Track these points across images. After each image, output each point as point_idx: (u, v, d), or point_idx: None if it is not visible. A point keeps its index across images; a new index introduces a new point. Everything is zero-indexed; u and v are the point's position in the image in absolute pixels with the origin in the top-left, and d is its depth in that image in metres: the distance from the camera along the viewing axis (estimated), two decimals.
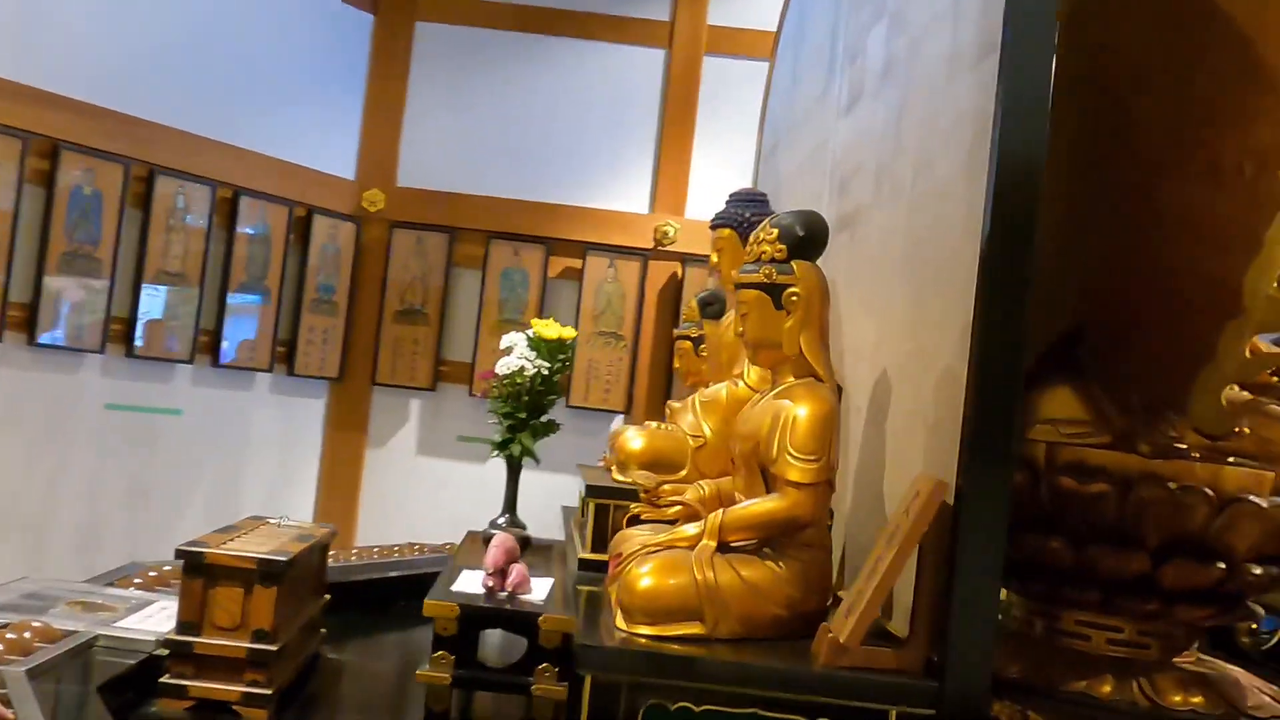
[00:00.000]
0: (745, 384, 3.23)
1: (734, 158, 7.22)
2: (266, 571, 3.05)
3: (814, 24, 4.00)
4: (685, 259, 7.11)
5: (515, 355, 3.78)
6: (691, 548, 2.41)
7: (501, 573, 2.90)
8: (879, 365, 2.75)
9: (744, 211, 3.39)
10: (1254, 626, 4.08)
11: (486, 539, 3.43)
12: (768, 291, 2.52)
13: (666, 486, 2.74)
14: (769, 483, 2.46)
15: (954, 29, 2.52)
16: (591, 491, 3.07)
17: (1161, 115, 2.91)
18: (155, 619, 3.34)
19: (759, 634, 2.34)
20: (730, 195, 3.47)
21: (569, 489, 7.13)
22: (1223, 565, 3.04)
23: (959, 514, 2.14)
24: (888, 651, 2.21)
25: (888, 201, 2.85)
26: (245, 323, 6.39)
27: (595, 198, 7.16)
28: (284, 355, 6.68)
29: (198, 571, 3.03)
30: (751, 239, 2.59)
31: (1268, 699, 3.25)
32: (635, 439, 3.19)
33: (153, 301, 5.87)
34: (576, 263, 7.12)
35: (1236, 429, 2.86)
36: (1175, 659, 3.29)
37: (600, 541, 3.04)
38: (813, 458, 2.37)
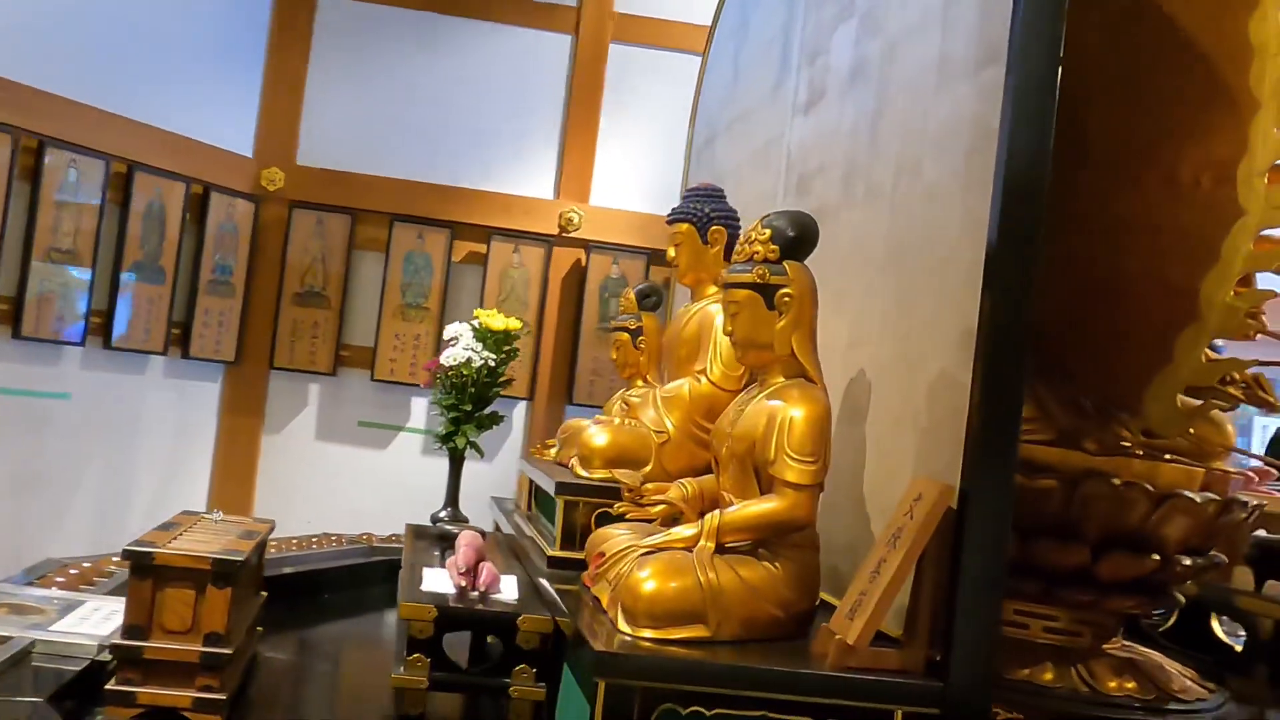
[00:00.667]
0: (709, 380, 3.22)
1: (640, 146, 7.21)
2: (221, 572, 2.93)
3: (761, 18, 4.00)
4: (590, 246, 7.06)
5: (461, 346, 3.69)
6: (688, 549, 2.39)
7: (472, 572, 2.84)
8: (854, 365, 2.77)
9: (703, 207, 3.37)
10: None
11: (441, 535, 3.34)
12: (760, 292, 2.51)
13: (649, 485, 2.71)
14: (763, 483, 2.45)
15: (942, 38, 2.54)
16: (562, 489, 3.02)
17: (1119, 127, 3.00)
18: (91, 621, 3.18)
19: (757, 635, 2.35)
20: (687, 191, 3.45)
21: (477, 476, 7.05)
22: (1156, 557, 3.17)
23: (964, 517, 2.17)
24: (892, 652, 2.24)
25: (862, 202, 2.87)
26: (139, 304, 6.11)
27: (500, 182, 7.05)
28: (179, 338, 6.41)
29: (146, 573, 2.90)
30: (741, 238, 2.58)
31: (1189, 683, 3.40)
32: (599, 435, 3.16)
33: (41, 281, 5.56)
34: (481, 248, 7.00)
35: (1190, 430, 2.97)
36: (1104, 645, 3.42)
37: (571, 539, 2.99)
38: (810, 459, 2.38)
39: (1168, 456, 3.23)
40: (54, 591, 3.45)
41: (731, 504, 2.51)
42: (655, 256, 7.09)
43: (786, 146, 3.51)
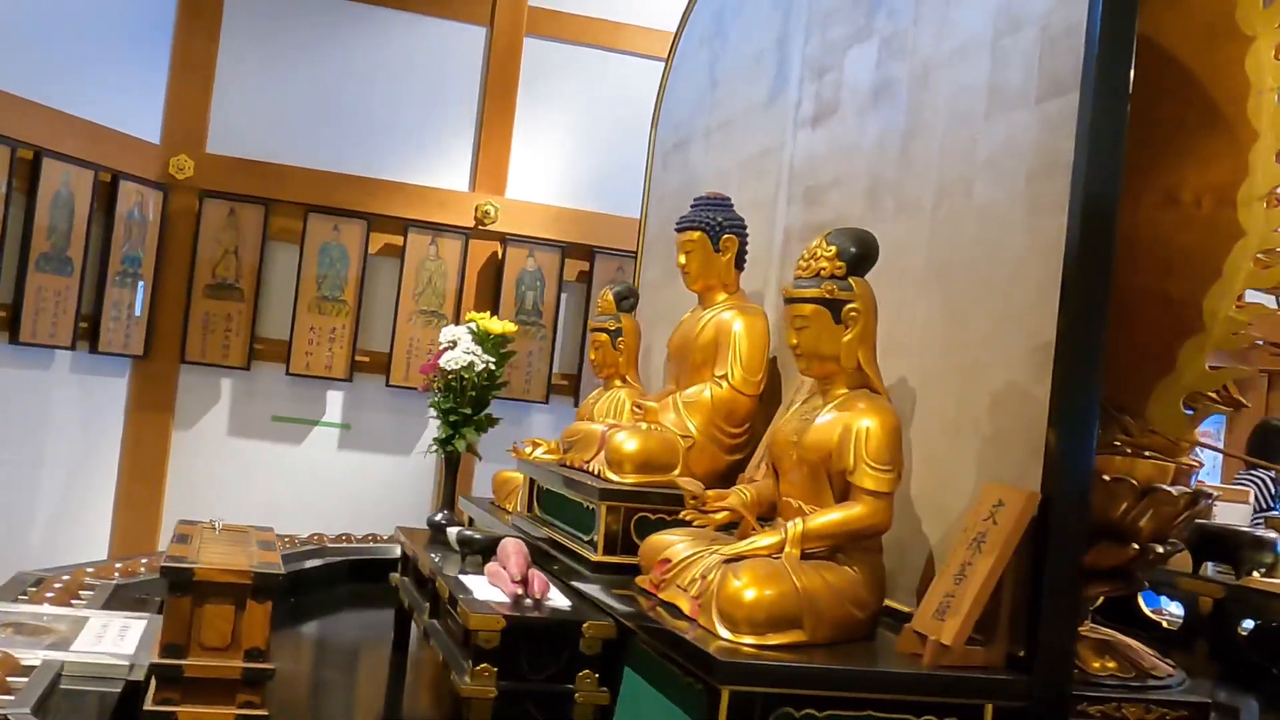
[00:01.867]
0: (730, 385, 3.30)
1: (556, 140, 7.22)
2: (262, 585, 2.88)
3: (744, 30, 4.08)
4: (506, 239, 7.04)
5: (461, 350, 3.67)
6: (773, 556, 2.47)
7: (525, 580, 2.86)
8: (892, 372, 2.88)
9: (715, 215, 3.44)
10: None
11: (466, 541, 3.32)
12: (827, 306, 2.60)
13: (711, 492, 2.77)
14: (838, 490, 2.55)
15: (992, 67, 2.67)
16: (606, 495, 3.05)
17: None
18: (108, 639, 3.07)
19: (843, 636, 2.44)
20: (696, 199, 3.51)
21: (397, 470, 6.96)
22: (1135, 546, 3.39)
23: (1046, 522, 2.30)
24: (979, 650, 2.36)
25: (893, 217, 2.99)
26: (45, 296, 5.82)
27: (417, 174, 6.96)
28: (87, 331, 6.13)
29: (184, 589, 2.83)
30: (806, 254, 2.66)
31: (1158, 661, 3.65)
32: (629, 441, 3.20)
33: None
34: (397, 240, 6.90)
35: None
36: (1080, 628, 3.64)
37: (615, 546, 3.03)
38: (888, 467, 2.48)
39: (1147, 454, 3.45)
40: (52, 608, 3.30)
41: (800, 509, 2.60)
42: (571, 250, 7.12)
43: (789, 157, 3.60)
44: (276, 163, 6.68)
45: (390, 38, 6.94)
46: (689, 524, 2.78)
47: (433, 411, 3.79)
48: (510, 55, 7.12)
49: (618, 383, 4.27)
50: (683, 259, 3.47)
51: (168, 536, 6.31)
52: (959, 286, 2.72)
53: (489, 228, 7.01)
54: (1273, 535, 4.30)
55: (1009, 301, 2.52)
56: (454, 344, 3.73)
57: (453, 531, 3.43)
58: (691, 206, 3.51)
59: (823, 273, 2.62)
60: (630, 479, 3.17)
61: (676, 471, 3.21)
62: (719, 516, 2.73)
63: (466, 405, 3.71)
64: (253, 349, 6.65)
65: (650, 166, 4.94)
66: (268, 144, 6.69)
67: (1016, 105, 2.58)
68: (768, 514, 2.78)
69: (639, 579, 2.82)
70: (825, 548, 2.50)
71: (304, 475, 6.77)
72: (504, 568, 2.95)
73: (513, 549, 2.96)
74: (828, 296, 2.60)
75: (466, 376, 3.67)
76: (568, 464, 3.52)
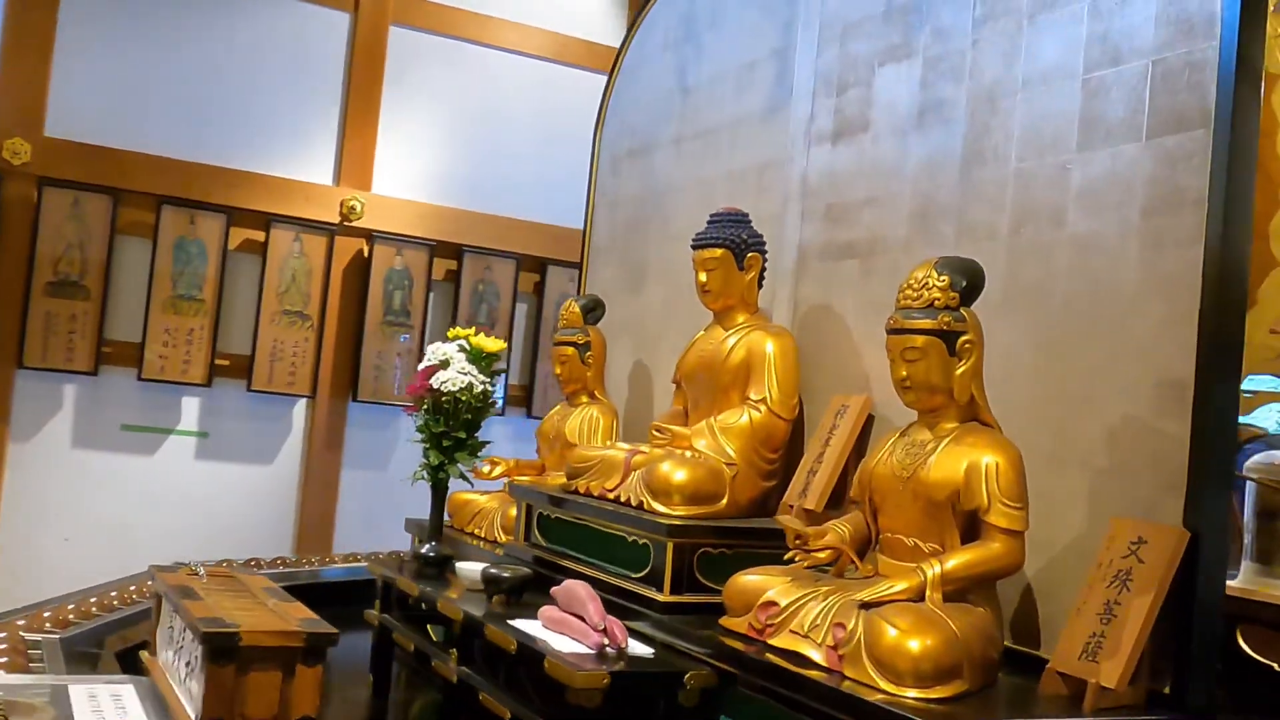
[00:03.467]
0: (769, 409, 3.13)
1: (424, 134, 6.82)
2: (313, 647, 2.53)
3: (728, 38, 3.90)
4: (373, 236, 6.60)
5: (455, 370, 3.34)
6: (914, 600, 2.33)
7: (605, 628, 2.61)
8: None
9: (740, 233, 3.25)
10: None
11: (493, 580, 3.01)
12: (942, 338, 2.48)
13: (812, 530, 2.60)
14: (963, 528, 2.43)
15: (1085, 99, 2.62)
16: (674, 531, 2.82)
17: None
18: (112, 715, 2.61)
19: (988, 680, 2.33)
20: (716, 215, 3.31)
21: (260, 481, 6.39)
22: None
23: (1194, 558, 2.26)
24: (1127, 689, 2.29)
25: (955, 241, 2.90)
26: None
27: (278, 165, 6.43)
28: None
29: (228, 656, 2.44)
30: (914, 283, 2.52)
31: None
32: (677, 471, 2.99)
33: None
34: (259, 235, 6.36)
35: None
36: None
37: (682, 584, 2.80)
38: (1019, 505, 2.39)
39: None
40: (16, 677, 2.78)
41: (916, 547, 2.48)
42: (441, 249, 6.76)
43: (799, 173, 3.45)
44: (125, 149, 6.03)
45: (250, 17, 6.38)
46: (771, 561, 2.60)
47: (419, 435, 3.42)
48: (375, 43, 6.68)
49: (585, 399, 4.04)
50: (703, 277, 3.26)
51: (6, 560, 5.59)
52: (1051, 316, 2.65)
53: (355, 224, 6.56)
54: None
55: (1124, 335, 2.47)
56: (445, 363, 3.38)
57: (471, 566, 3.12)
58: (710, 223, 3.31)
59: (936, 303, 2.49)
60: (679, 510, 2.95)
61: (724, 501, 3.02)
62: (822, 555, 2.57)
63: (460, 429, 3.38)
64: (100, 352, 6.00)
65: (595, 172, 4.67)
66: (115, 128, 6.03)
67: (1121, 138, 2.53)
68: (861, 550, 2.64)
69: (726, 621, 2.62)
70: (957, 589, 2.38)
71: (157, 489, 6.15)
72: (572, 613, 2.68)
73: (585, 593, 2.70)
74: (944, 328, 2.47)
75: (464, 398, 3.34)
76: (581, 491, 3.26)
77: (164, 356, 6.10)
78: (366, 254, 6.63)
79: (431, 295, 6.80)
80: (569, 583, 2.80)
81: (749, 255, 3.26)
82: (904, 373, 2.52)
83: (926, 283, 2.51)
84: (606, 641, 2.58)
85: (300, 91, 6.51)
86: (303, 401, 6.52)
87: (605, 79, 4.74)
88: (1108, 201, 2.55)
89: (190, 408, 6.26)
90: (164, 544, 5.95)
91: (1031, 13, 2.79)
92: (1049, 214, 2.69)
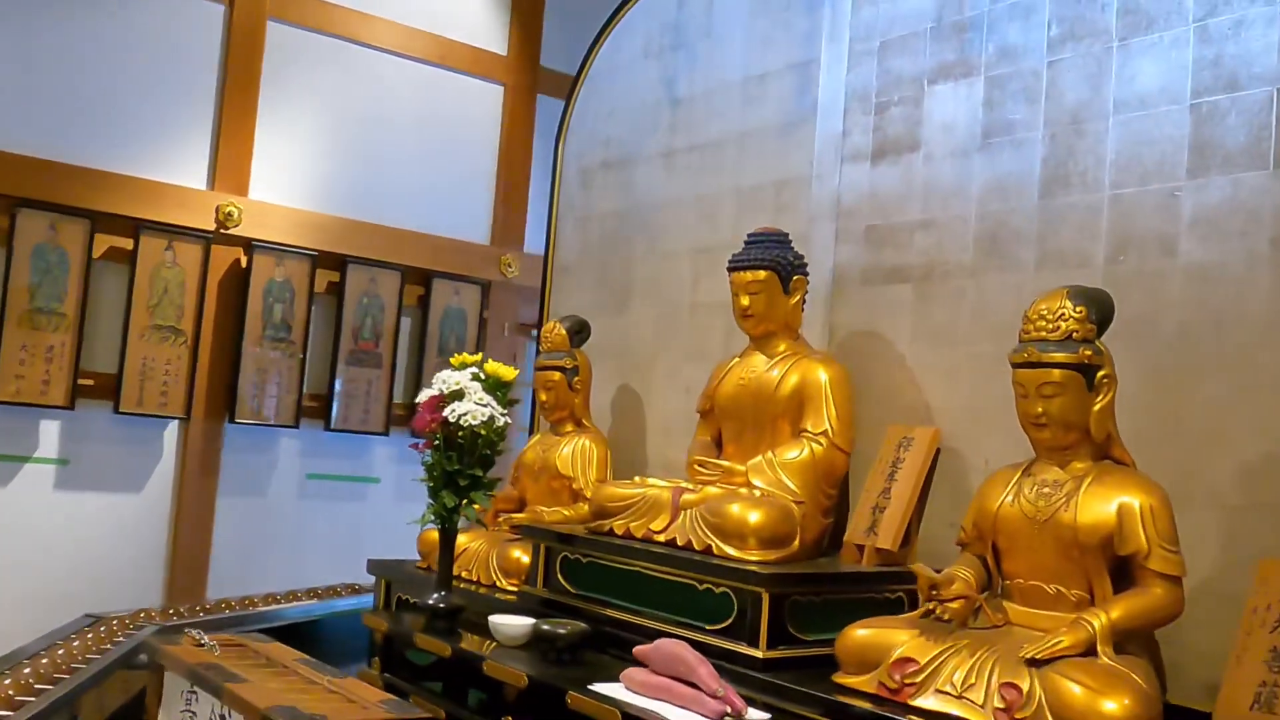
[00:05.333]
0: (830, 442, 2.87)
1: (305, 137, 6.24)
2: None
3: (731, 49, 3.61)
4: (251, 244, 5.97)
5: (473, 401, 2.93)
6: (1082, 654, 2.12)
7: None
8: None
9: (785, 255, 2.98)
10: None
11: (547, 637, 2.62)
12: (1081, 372, 2.29)
13: (940, 577, 2.35)
14: (1113, 573, 2.24)
15: (1194, 123, 2.49)
16: (769, 580, 2.51)
17: None
18: None
19: None
20: (757, 235, 3.02)
21: (128, 512, 5.63)
22: None
23: None
24: None
25: (1034, 268, 2.74)
26: None
27: (148, 167, 5.71)
28: None
29: None
30: (1048, 314, 2.31)
31: None
32: (752, 512, 2.69)
33: None
34: (127, 243, 5.63)
35: None
36: None
37: (777, 637, 2.50)
38: (1176, 548, 2.22)
39: None
40: None
41: (1060, 594, 2.28)
42: (323, 259, 6.18)
43: (832, 191, 3.21)
44: None
45: (116, 5, 5.64)
46: (859, 608, 2.37)
47: (423, 474, 2.99)
48: (252, 38, 6.06)
49: (571, 426, 3.67)
50: (745, 301, 2.97)
51: None
52: (1161, 347, 2.50)
53: (232, 231, 5.91)
54: None
55: (1255, 368, 2.34)
56: (458, 394, 2.96)
57: (511, 621, 2.72)
58: (750, 243, 3.02)
59: (1075, 335, 2.29)
60: (754, 555, 2.66)
61: (796, 543, 2.73)
62: (955, 605, 2.33)
63: (475, 465, 2.96)
64: None
65: (558, 185, 4.28)
66: None
67: (1243, 166, 2.40)
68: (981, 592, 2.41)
69: (842, 679, 2.34)
70: (1120, 640, 2.18)
71: (11, 522, 5.34)
72: (674, 677, 2.35)
73: (691, 655, 2.36)
74: (1084, 362, 2.28)
75: (484, 433, 2.93)
76: (619, 532, 2.91)
77: (20, 376, 5.30)
78: (244, 264, 5.98)
79: (314, 309, 6.21)
80: (664, 642, 2.45)
81: (795, 278, 3.00)
82: (1039, 409, 2.31)
83: (1062, 314, 2.31)
84: (729, 710, 2.25)
85: (172, 88, 5.81)
86: (175, 424, 5.82)
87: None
88: (1229, 230, 2.41)
89: (49, 433, 5.48)
90: (18, 583, 5.21)
91: (1124, 35, 2.64)
92: (1156, 242, 2.54)
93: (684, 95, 3.76)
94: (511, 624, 2.77)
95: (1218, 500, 2.38)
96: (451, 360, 3.09)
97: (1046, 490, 2.34)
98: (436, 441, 2.97)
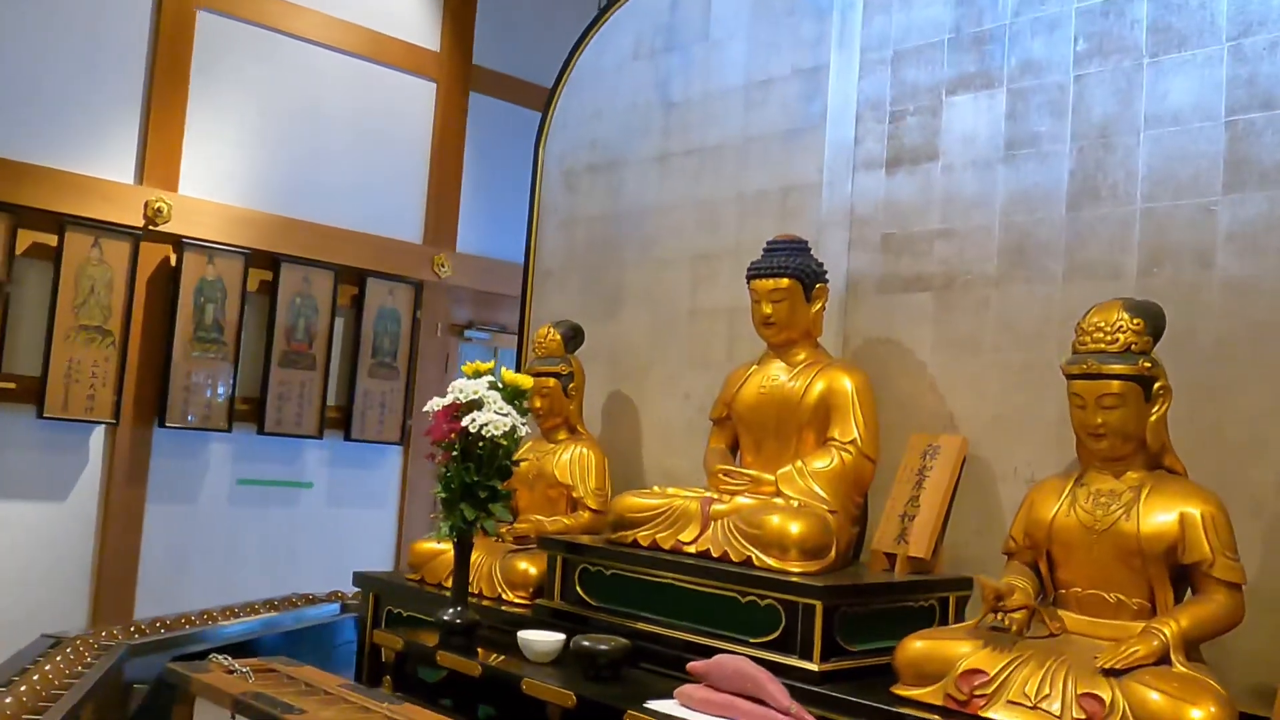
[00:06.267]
0: (860, 451, 2.83)
1: (237, 131, 5.95)
2: None
3: (731, 53, 3.54)
4: (181, 242, 5.66)
5: (493, 410, 2.80)
6: (1155, 663, 2.12)
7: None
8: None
9: (808, 262, 2.92)
10: None
11: (588, 653, 2.51)
12: (1140, 384, 2.29)
13: (1001, 585, 2.32)
14: (1174, 582, 2.25)
15: (1229, 139, 2.53)
16: (827, 593, 2.44)
17: None
18: None
19: None
20: (777, 243, 2.95)
21: (51, 522, 5.26)
22: None
23: None
24: None
25: (1063, 279, 2.74)
26: None
27: (73, 159, 5.36)
28: None
29: None
30: (1105, 326, 2.31)
31: None
32: (792, 522, 2.62)
33: None
34: (50, 239, 5.26)
35: None
36: None
37: (830, 650, 2.44)
38: (1237, 556, 2.24)
39: None
40: None
41: (1120, 603, 2.28)
42: (256, 257, 5.90)
43: (844, 199, 3.17)
44: None
45: None
46: (903, 618, 2.34)
47: (438, 488, 2.84)
48: (182, 27, 5.75)
49: (565, 434, 3.55)
50: (768, 309, 2.91)
51: None
52: (1198, 358, 2.52)
53: (161, 228, 5.59)
54: None
55: None
56: (476, 403, 2.82)
57: (542, 636, 2.60)
58: (771, 251, 2.95)
59: (1133, 347, 2.30)
60: (796, 566, 2.59)
61: (833, 553, 2.68)
62: (1019, 615, 2.30)
63: (494, 477, 2.83)
64: None
65: (539, 187, 4.14)
66: None
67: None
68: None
69: (903, 691, 2.30)
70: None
71: None
72: (740, 694, 2.27)
73: (759, 673, 2.28)
74: (1144, 374, 2.28)
75: (505, 443, 2.80)
76: (644, 543, 2.82)
77: None
78: (174, 262, 5.67)
79: (246, 309, 5.92)
80: (726, 658, 2.37)
81: (817, 286, 2.94)
82: (1099, 420, 2.31)
83: (1120, 326, 2.31)
84: None
85: (98, 78, 5.47)
86: (102, 429, 5.48)
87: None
88: (1268, 245, 2.45)
89: None
90: None
91: (1154, 51, 2.65)
92: (1191, 255, 2.56)
93: (679, 98, 3.68)
94: (543, 640, 2.65)
95: (1260, 509, 2.42)
96: (465, 369, 2.94)
97: (1104, 500, 2.33)
98: (455, 452, 2.82)
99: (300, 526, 6.16)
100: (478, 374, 2.93)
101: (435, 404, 2.92)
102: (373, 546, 6.46)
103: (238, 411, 5.87)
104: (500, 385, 2.89)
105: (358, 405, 6.37)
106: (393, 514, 6.62)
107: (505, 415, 2.81)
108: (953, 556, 2.82)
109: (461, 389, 2.86)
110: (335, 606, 4.60)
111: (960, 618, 2.73)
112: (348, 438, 6.32)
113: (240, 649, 3.73)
